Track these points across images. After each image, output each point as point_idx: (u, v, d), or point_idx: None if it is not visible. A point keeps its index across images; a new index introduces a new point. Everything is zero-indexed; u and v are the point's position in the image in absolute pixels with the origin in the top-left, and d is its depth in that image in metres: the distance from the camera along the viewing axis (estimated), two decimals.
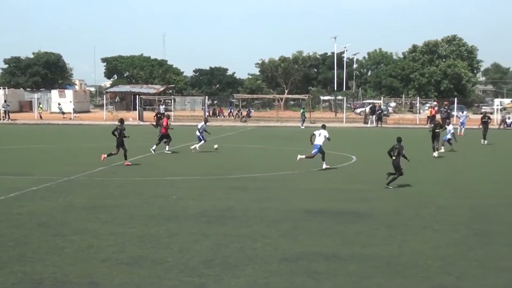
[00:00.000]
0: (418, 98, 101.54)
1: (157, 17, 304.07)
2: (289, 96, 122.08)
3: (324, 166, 29.70)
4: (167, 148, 36.80)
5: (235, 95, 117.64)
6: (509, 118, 74.94)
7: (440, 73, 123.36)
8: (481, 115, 51.27)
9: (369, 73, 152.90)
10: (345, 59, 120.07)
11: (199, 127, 38.35)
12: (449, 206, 19.85)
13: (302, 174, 28.05)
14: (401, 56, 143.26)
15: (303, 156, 30.12)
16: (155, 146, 36.47)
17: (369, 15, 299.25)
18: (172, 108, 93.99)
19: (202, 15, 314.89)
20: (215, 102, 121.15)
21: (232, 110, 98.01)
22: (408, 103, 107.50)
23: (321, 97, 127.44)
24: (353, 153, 36.86)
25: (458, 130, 56.07)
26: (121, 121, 32.04)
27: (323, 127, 31.02)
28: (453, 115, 79.26)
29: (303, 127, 69.98)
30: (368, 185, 24.45)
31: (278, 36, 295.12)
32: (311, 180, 26.02)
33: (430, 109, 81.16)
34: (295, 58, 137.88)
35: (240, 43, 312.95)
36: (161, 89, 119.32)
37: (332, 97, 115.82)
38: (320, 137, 29.81)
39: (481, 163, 34.00)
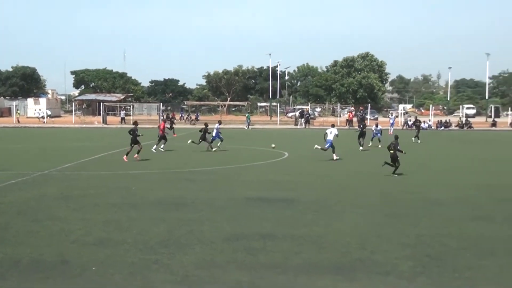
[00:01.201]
0: (339, 104, 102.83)
1: (119, 35, 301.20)
2: (231, 102, 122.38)
3: (335, 157, 31.11)
4: (154, 147, 35.66)
5: (185, 102, 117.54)
6: (410, 120, 76.24)
7: (356, 83, 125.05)
8: (414, 119, 52.90)
9: (299, 83, 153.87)
10: (278, 71, 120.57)
11: (217, 127, 37.30)
12: (365, 193, 20.01)
13: (244, 167, 28.03)
14: (325, 69, 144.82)
15: (319, 147, 31.43)
16: (155, 146, 35.69)
17: (298, 36, 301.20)
18: (131, 113, 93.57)
19: (158, 33, 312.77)
20: (169, 108, 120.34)
21: (183, 115, 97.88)
22: (330, 108, 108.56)
23: (258, 104, 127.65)
24: (285, 150, 36.99)
25: (389, 130, 57.15)
26: (135, 123, 31.71)
27: (333, 126, 32.84)
28: (367, 118, 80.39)
29: (248, 129, 70.14)
30: (298, 177, 24.54)
31: (222, 52, 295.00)
32: (251, 173, 25.99)
33: (348, 113, 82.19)
34: (236, 71, 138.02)
35: (190, 58, 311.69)
36: (122, 97, 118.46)
37: (268, 104, 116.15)
38: (331, 134, 31.33)
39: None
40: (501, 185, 22.02)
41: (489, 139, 39.92)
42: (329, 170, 27.10)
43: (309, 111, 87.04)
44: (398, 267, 10.97)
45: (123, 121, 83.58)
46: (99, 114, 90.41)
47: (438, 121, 79.89)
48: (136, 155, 30.06)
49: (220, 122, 38.94)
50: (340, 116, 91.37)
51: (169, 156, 32.30)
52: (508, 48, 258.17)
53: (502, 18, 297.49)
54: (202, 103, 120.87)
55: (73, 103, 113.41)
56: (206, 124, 36.66)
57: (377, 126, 42.55)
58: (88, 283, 10.10)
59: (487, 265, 11.11)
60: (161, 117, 63.03)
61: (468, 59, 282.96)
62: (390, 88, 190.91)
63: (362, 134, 38.99)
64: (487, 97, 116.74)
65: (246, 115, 77.14)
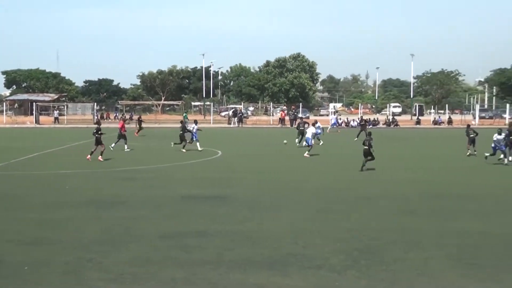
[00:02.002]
0: (271, 103, 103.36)
1: (52, 35, 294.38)
2: (166, 102, 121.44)
3: (306, 154, 32.48)
4: (113, 145, 35.36)
5: (119, 101, 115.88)
6: (340, 119, 77.31)
7: (288, 83, 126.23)
8: (360, 119, 53.87)
9: (232, 83, 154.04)
10: (211, 72, 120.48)
11: (194, 130, 36.75)
12: (298, 189, 20.20)
13: (179, 166, 27.86)
14: (257, 69, 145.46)
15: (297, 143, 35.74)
16: (113, 144, 35.39)
17: (231, 36, 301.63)
18: (65, 113, 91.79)
19: (92, 33, 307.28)
20: (103, 107, 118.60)
21: (117, 114, 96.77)
22: (263, 108, 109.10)
23: (193, 103, 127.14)
24: (219, 148, 36.96)
25: (329, 129, 57.81)
26: (98, 122, 31.57)
27: (313, 124, 35.31)
28: (299, 117, 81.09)
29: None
30: (232, 174, 24.55)
31: (156, 53, 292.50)
32: (186, 171, 25.86)
33: (281, 112, 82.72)
34: (170, 71, 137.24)
35: (124, 58, 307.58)
36: (55, 97, 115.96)
37: (202, 103, 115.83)
38: (309, 132, 33.74)
39: (333, 154, 34.73)
40: (426, 181, 22.57)
41: (414, 136, 40.90)
42: (263, 167, 27.21)
43: (242, 110, 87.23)
44: (329, 261, 11.12)
45: (56, 120, 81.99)
46: (32, 114, 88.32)
47: (367, 119, 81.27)
48: (100, 157, 29.45)
49: (196, 122, 38.47)
50: (272, 115, 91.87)
51: (107, 156, 31.80)
52: (430, 49, 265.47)
53: (425, 20, 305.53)
54: (136, 102, 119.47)
55: (4, 103, 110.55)
56: (182, 122, 35.81)
57: (316, 122, 43.09)
58: (22, 282, 9.87)
59: (412, 258, 11.38)
60: (121, 116, 62.56)
61: (395, 60, 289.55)
62: (321, 87, 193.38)
63: (301, 133, 39.65)
64: (411, 96, 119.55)
65: (184, 114, 76.58)
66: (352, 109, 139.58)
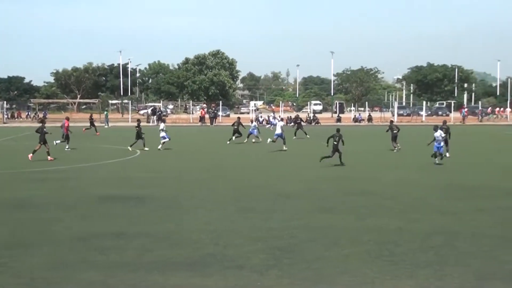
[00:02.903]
0: (191, 101, 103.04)
1: None
2: (82, 100, 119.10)
3: (284, 147, 35.52)
4: (58, 141, 36.18)
5: (32, 100, 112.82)
6: (261, 117, 77.77)
7: (208, 80, 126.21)
8: (294, 117, 54.85)
9: (150, 80, 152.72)
10: (129, 69, 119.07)
11: (162, 127, 37.71)
12: (218, 188, 20.18)
13: (97, 166, 27.39)
14: (176, 67, 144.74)
15: (270, 139, 37.50)
16: (59, 140, 36.18)
17: (149, 33, 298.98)
18: None
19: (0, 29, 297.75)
20: (14, 106, 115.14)
21: (29, 113, 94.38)
22: (183, 106, 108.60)
23: (110, 101, 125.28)
24: (137, 148, 36.45)
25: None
26: (42, 121, 31.52)
27: (281, 120, 40.22)
28: (219, 115, 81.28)
29: (107, 127, 68.54)
30: (150, 174, 24.33)
31: (71, 49, 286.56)
32: (103, 171, 25.46)
33: (201, 110, 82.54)
34: (86, 68, 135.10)
35: (36, 55, 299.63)
36: None
37: (119, 101, 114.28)
38: (279, 127, 37.09)
39: (256, 152, 34.85)
40: (346, 178, 22.97)
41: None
42: (182, 166, 27.06)
43: (162, 108, 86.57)
44: (250, 260, 11.15)
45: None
46: None
47: (288, 117, 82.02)
48: (49, 157, 29.16)
49: (164, 121, 38.30)
50: (192, 113, 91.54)
51: (22, 155, 31.00)
52: (350, 47, 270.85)
53: (345, 19, 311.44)
54: (50, 101, 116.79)
55: None
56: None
57: (252, 122, 43.80)
58: None
59: (333, 255, 11.55)
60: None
61: (315, 57, 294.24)
62: (241, 85, 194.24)
63: (235, 131, 40.88)
64: (332, 94, 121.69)
65: (105, 112, 75.49)
66: (273, 107, 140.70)
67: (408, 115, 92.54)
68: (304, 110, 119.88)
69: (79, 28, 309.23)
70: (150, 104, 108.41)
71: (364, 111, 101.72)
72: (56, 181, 21.89)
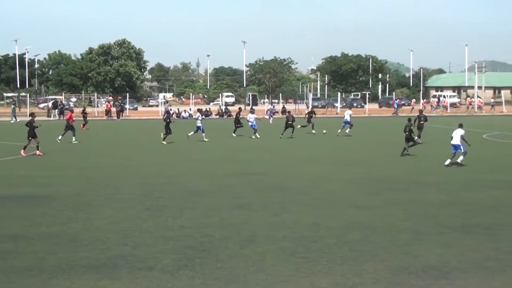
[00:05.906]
0: (96, 93, 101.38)
1: None
2: None
3: (257, 136, 40.20)
4: (60, 137, 37.17)
5: None
6: (171, 110, 77.25)
7: (114, 72, 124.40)
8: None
9: (51, 72, 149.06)
10: (27, 59, 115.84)
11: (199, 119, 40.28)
12: (125, 186, 20.01)
13: None
14: (79, 57, 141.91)
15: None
16: (60, 136, 37.18)
17: (48, 21, 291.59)
18: None
19: None
20: None
21: None
22: (87, 98, 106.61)
23: (5, 94, 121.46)
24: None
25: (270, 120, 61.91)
26: (32, 114, 31.91)
27: (252, 112, 44.00)
28: (126, 108, 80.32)
29: (13, 122, 66.64)
30: (53, 171, 23.90)
31: None
32: (1, 169, 24.75)
33: (106, 103, 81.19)
34: None
35: None
36: None
37: (16, 94, 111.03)
38: (252, 120, 41.90)
39: (167, 147, 34.60)
40: (257, 173, 23.18)
41: (247, 127, 41.87)
42: (87, 163, 26.65)
43: (64, 102, 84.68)
44: (161, 261, 11.14)
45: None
46: None
47: (199, 109, 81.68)
48: (38, 151, 29.67)
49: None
50: (97, 106, 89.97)
51: None
52: (263, 37, 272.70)
53: (257, 6, 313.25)
54: None
55: None
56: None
57: (253, 112, 44.85)
58: None
59: (248, 253, 11.68)
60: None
61: (227, 47, 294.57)
62: (149, 76, 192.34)
63: (237, 122, 44.25)
64: (245, 85, 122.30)
65: (12, 106, 73.92)
66: (183, 99, 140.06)
67: (323, 106, 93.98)
68: (215, 102, 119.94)
69: None
70: (51, 97, 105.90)
71: (278, 103, 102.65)
72: None
